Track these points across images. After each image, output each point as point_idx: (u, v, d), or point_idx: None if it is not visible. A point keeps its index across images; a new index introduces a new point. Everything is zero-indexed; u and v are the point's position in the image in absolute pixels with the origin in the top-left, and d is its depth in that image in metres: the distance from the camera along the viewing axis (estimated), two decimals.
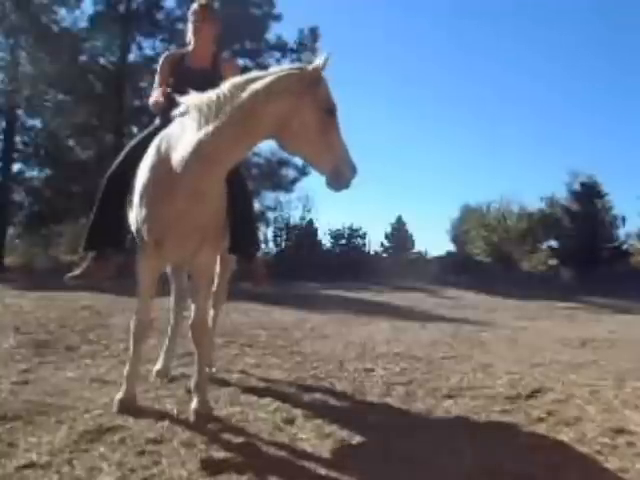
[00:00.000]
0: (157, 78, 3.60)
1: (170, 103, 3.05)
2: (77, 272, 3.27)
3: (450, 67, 60.00)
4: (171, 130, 2.94)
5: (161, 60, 3.64)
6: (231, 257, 3.86)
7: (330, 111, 2.67)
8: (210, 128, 2.67)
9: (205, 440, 2.67)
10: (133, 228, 3.10)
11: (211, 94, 2.72)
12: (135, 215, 3.01)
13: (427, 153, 60.21)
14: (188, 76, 3.34)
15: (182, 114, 2.86)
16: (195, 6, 3.52)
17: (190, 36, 3.56)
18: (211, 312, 3.95)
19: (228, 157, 2.78)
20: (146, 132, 3.40)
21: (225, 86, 2.72)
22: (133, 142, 3.42)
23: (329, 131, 2.65)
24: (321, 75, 2.69)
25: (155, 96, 3.40)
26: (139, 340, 3.20)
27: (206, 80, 3.02)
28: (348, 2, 51.02)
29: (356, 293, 13.38)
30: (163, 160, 2.85)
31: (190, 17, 3.55)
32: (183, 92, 2.87)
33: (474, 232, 28.70)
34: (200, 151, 2.70)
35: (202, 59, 3.54)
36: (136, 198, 2.98)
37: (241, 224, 3.18)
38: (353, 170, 2.71)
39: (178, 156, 2.77)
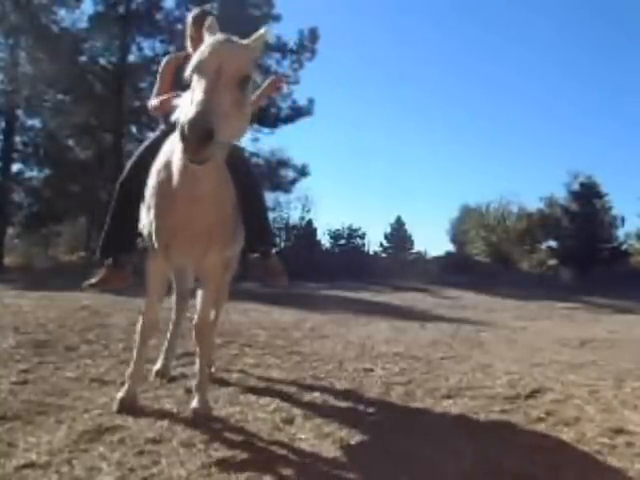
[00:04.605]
0: (158, 80, 3.59)
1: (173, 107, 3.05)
2: (94, 280, 3.27)
3: (450, 68, 60.21)
4: (175, 134, 2.94)
5: (163, 63, 3.62)
6: (233, 258, 3.87)
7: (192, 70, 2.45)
8: None
9: (204, 440, 2.66)
10: (145, 232, 3.11)
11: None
12: (145, 219, 3.03)
13: (427, 153, 60.47)
14: None
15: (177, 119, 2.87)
16: (200, 15, 3.50)
17: (194, 41, 3.52)
18: (212, 312, 3.96)
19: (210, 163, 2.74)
20: (155, 136, 3.40)
21: None
22: (143, 146, 3.41)
23: (194, 90, 2.39)
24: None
25: (155, 103, 3.40)
26: (145, 340, 3.20)
27: None
28: (348, 3, 51.07)
29: (355, 293, 13.39)
30: (167, 165, 2.87)
31: (196, 25, 3.49)
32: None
33: (473, 232, 28.77)
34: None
35: None
36: (146, 203, 3.00)
37: (254, 222, 3.18)
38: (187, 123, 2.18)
39: (175, 162, 2.79)
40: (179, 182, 2.77)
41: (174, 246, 2.96)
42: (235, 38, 2.61)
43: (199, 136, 2.19)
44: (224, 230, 2.99)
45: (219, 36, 2.59)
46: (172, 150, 2.86)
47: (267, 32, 2.70)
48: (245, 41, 2.64)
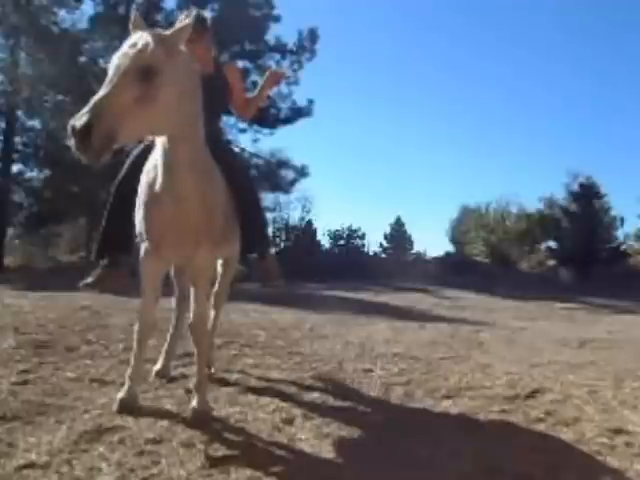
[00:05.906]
0: None
1: None
2: (90, 280, 3.28)
3: (449, 68, 60.12)
4: None
5: None
6: (234, 259, 3.87)
7: None
8: None
9: (204, 440, 2.67)
10: (138, 231, 3.12)
11: None
12: (137, 219, 3.05)
13: (426, 154, 60.25)
14: None
15: None
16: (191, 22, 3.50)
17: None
18: (212, 313, 3.96)
19: (178, 159, 2.76)
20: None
21: None
22: (139, 147, 3.41)
23: None
24: None
25: None
26: (143, 340, 3.21)
27: (211, 85, 3.05)
28: (348, 3, 51.12)
29: (355, 293, 13.38)
30: (156, 166, 2.89)
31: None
32: None
33: (473, 233, 28.73)
34: (162, 157, 2.76)
35: (205, 65, 3.53)
36: (138, 202, 3.02)
37: (249, 224, 3.20)
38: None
39: (159, 162, 2.83)
40: (163, 182, 2.81)
41: (164, 245, 2.98)
42: (148, 32, 2.55)
43: (77, 136, 2.25)
44: (212, 228, 3.00)
45: (137, 33, 2.57)
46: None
47: (189, 24, 2.65)
48: (160, 32, 2.60)
